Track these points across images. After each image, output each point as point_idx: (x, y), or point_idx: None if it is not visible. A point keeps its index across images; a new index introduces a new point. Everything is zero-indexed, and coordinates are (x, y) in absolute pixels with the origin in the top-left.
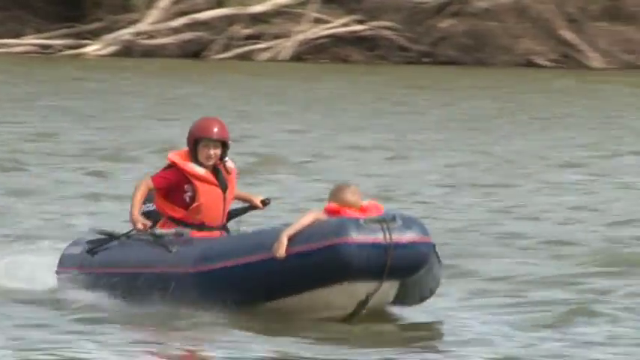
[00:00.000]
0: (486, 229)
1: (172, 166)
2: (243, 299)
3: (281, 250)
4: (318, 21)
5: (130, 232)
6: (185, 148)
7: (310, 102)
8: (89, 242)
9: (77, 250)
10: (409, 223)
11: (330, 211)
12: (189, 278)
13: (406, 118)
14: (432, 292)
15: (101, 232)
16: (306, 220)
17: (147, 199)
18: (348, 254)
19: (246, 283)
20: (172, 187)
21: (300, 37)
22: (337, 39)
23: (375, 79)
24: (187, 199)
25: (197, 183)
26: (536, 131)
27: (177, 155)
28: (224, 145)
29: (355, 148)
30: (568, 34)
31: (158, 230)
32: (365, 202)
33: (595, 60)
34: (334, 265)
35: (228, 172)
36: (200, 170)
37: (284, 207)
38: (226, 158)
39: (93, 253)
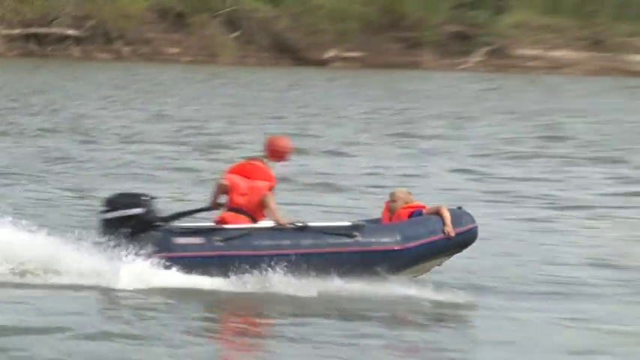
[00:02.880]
0: None
1: None
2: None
3: (453, 231)
4: None
5: None
6: None
7: None
8: None
9: None
10: None
11: (427, 209)
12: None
13: None
14: None
15: None
16: (448, 212)
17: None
18: (476, 234)
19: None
20: None
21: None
22: None
23: None
24: None
25: None
26: None
27: None
28: None
29: None
30: None
31: None
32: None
33: None
34: (472, 240)
35: None
36: None
37: None
38: None
39: None
